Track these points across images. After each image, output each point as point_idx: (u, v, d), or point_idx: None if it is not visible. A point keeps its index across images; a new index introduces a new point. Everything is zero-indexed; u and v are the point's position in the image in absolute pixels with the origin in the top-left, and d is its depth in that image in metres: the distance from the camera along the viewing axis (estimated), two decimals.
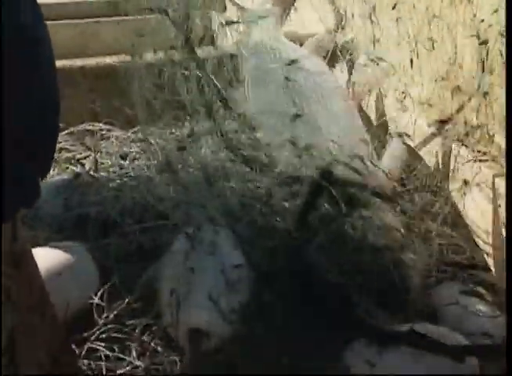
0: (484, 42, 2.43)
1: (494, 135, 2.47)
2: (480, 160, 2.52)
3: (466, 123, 2.66)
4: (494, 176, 2.36)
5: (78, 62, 3.26)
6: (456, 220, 2.51)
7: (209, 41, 3.66)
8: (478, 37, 2.46)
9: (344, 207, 2.18)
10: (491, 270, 2.34)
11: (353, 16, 3.42)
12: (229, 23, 3.07)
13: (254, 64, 2.90)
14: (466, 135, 2.67)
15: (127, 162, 2.67)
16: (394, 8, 3.01)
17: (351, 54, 3.28)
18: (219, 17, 3.27)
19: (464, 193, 2.49)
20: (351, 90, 2.94)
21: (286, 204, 2.26)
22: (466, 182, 2.47)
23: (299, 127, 2.54)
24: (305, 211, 2.19)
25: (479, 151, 2.57)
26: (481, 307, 2.18)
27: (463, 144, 2.68)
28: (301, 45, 3.26)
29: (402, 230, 2.26)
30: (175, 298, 1.88)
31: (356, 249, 2.18)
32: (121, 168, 2.63)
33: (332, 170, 2.24)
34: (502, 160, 2.43)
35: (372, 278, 2.11)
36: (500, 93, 2.38)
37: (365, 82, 2.95)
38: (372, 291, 2.07)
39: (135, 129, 2.87)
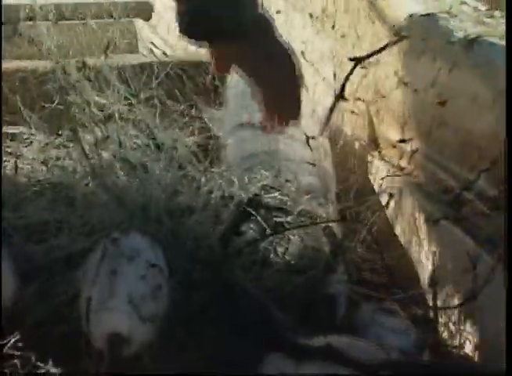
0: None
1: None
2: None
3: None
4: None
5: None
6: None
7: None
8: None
9: (269, 231, 2.22)
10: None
11: None
12: None
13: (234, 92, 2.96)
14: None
15: (47, 167, 2.60)
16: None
17: None
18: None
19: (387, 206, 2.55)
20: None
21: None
22: (391, 195, 2.53)
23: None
24: (228, 234, 2.23)
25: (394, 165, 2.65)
26: (397, 324, 2.23)
27: (382, 159, 2.75)
28: None
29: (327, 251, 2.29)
30: (91, 303, 1.87)
31: (279, 270, 2.22)
32: (42, 174, 2.57)
33: (259, 197, 2.28)
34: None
35: (294, 296, 2.14)
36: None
37: None
38: (293, 308, 2.10)
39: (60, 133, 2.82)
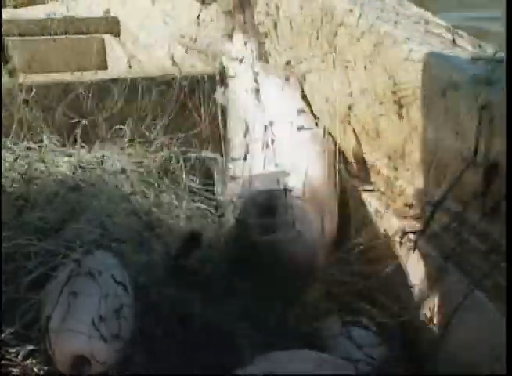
0: None
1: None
2: None
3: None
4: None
5: None
6: None
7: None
8: None
9: None
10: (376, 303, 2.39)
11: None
12: None
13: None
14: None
15: None
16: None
17: None
18: None
19: None
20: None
21: None
22: None
23: None
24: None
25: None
26: (366, 337, 2.23)
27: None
28: None
29: None
30: (53, 323, 1.86)
31: None
32: None
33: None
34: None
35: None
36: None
37: None
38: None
39: None
